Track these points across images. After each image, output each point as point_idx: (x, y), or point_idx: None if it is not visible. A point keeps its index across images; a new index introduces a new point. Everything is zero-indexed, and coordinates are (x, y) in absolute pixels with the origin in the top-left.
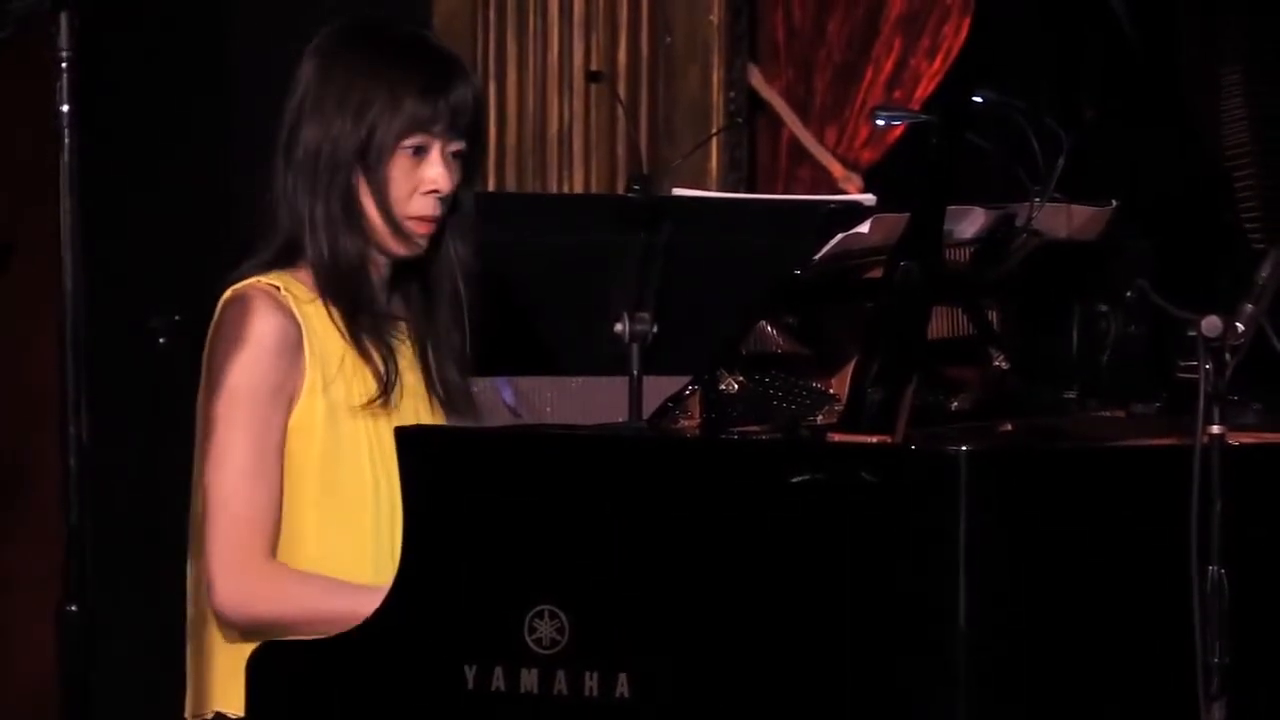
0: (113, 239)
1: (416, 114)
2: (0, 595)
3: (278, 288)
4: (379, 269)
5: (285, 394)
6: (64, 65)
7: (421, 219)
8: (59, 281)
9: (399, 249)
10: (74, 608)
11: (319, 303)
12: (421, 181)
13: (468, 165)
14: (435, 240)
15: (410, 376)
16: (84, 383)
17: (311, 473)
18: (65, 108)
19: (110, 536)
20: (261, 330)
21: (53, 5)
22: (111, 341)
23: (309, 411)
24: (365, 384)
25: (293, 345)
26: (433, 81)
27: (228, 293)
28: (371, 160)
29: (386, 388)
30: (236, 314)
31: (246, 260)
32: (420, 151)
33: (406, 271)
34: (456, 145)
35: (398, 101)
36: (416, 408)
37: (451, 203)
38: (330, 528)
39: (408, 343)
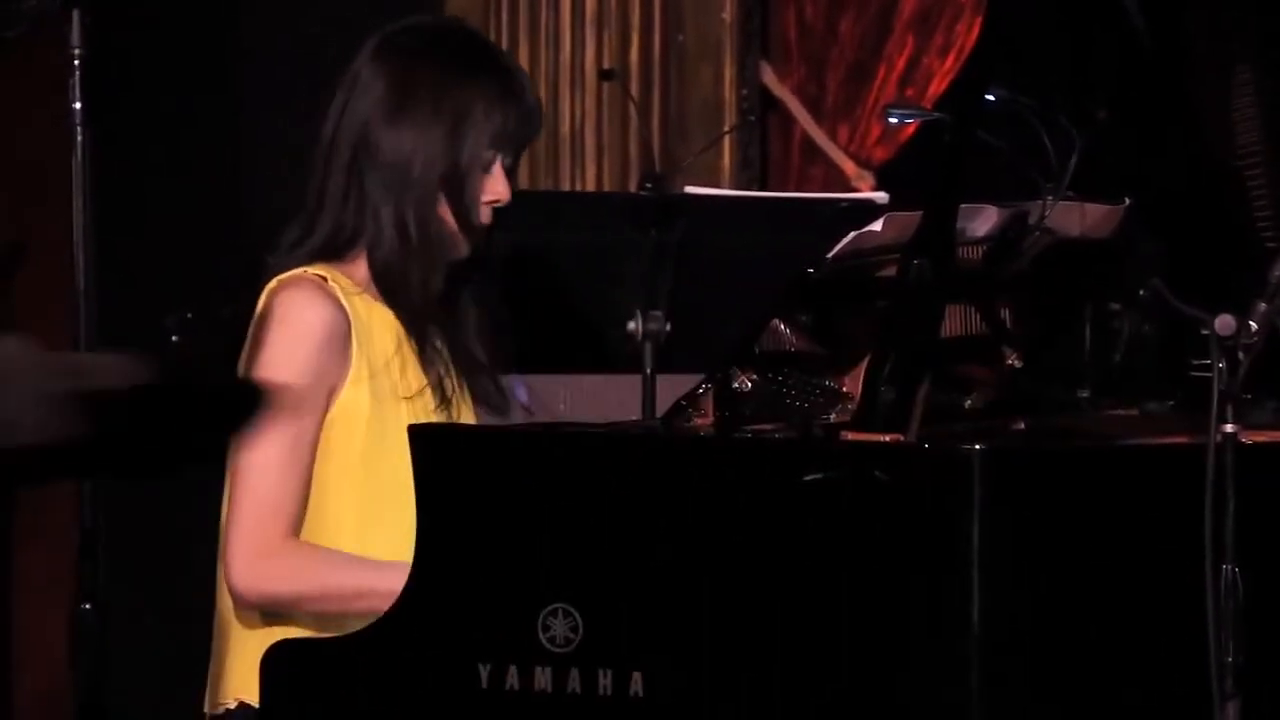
0: (124, 237)
1: (505, 130)
2: (17, 595)
3: (324, 278)
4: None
5: (326, 385)
6: (75, 64)
7: (482, 229)
8: (71, 279)
9: (461, 254)
10: (88, 606)
11: (367, 296)
12: (488, 194)
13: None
14: None
15: (448, 377)
16: None
17: (355, 462)
18: (77, 106)
19: (124, 536)
20: (307, 320)
21: (64, 4)
22: (123, 339)
23: (353, 402)
24: (414, 377)
25: (340, 336)
26: (516, 99)
27: (273, 281)
28: (461, 173)
29: (441, 385)
30: (283, 302)
31: (286, 248)
32: (489, 166)
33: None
34: (510, 158)
35: (491, 117)
36: (461, 411)
37: None
38: (371, 520)
39: (446, 350)
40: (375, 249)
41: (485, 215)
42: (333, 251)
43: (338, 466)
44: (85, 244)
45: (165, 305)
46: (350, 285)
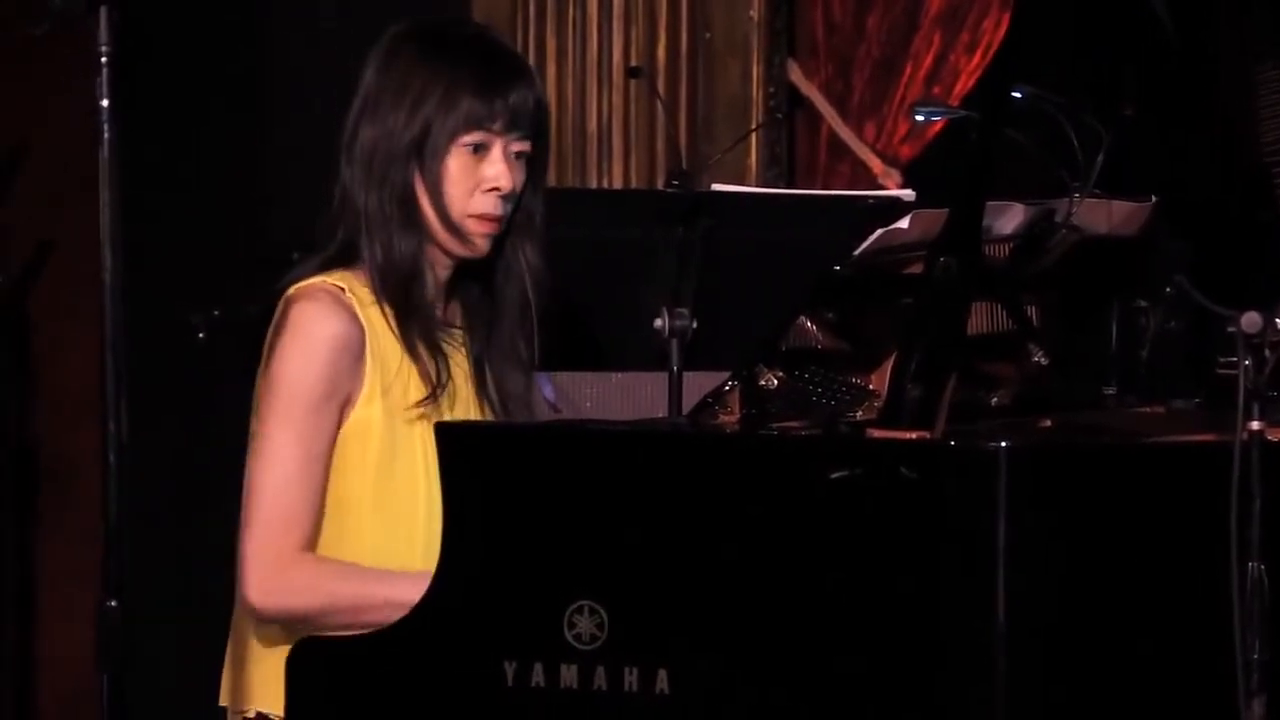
0: (152, 235)
1: (473, 110)
2: (42, 591)
3: (342, 289)
4: (438, 272)
5: (340, 398)
6: (103, 61)
7: (483, 218)
8: (98, 277)
9: (459, 249)
10: (113, 603)
11: (383, 304)
12: (482, 179)
13: (534, 168)
14: (499, 244)
15: (462, 383)
16: (123, 378)
17: (368, 476)
18: (105, 103)
19: (149, 532)
20: (322, 333)
21: (91, 2)
22: (151, 337)
23: (367, 415)
24: (418, 387)
25: (354, 349)
26: (491, 79)
27: (291, 290)
28: (427, 156)
29: (436, 391)
30: (299, 314)
31: (308, 257)
32: (480, 149)
33: (468, 277)
34: (520, 145)
35: (454, 97)
36: (468, 414)
37: (516, 204)
38: (384, 531)
39: (462, 350)
40: (366, 248)
41: (486, 204)
42: (347, 259)
43: (355, 481)
44: (112, 242)
45: (193, 303)
46: (368, 295)
